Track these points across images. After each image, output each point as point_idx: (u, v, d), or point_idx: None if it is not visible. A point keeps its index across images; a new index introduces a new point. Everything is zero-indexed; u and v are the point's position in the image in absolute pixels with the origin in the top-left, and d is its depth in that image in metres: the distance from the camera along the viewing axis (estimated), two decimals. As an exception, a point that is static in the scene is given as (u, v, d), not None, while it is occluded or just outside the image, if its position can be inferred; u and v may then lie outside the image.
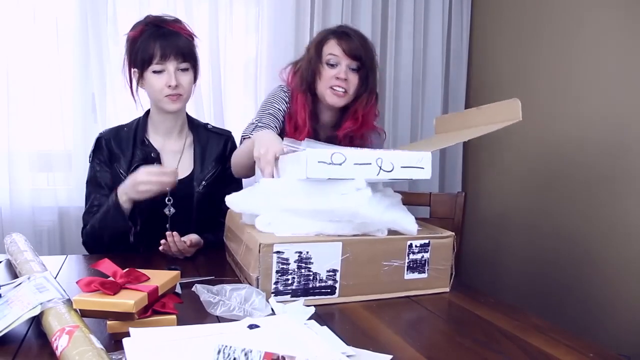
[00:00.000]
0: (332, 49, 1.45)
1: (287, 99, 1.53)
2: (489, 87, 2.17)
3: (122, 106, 1.79)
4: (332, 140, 1.49)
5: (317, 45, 1.48)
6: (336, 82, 1.45)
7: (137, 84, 1.42)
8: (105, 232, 1.36)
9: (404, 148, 1.47)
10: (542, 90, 1.86)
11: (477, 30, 2.24)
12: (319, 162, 1.00)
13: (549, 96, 1.83)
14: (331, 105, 1.49)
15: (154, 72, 1.36)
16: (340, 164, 1.01)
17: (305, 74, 1.49)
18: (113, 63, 1.78)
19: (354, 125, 1.51)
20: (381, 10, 2.10)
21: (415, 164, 1.07)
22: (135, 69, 1.40)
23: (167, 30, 1.38)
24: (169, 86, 1.36)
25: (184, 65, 1.39)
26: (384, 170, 1.04)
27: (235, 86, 2.00)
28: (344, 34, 1.46)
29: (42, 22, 1.75)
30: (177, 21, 1.43)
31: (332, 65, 1.45)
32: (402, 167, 1.06)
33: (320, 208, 1.01)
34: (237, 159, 1.46)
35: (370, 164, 1.03)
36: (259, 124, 1.46)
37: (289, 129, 1.51)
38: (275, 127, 1.47)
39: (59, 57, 1.77)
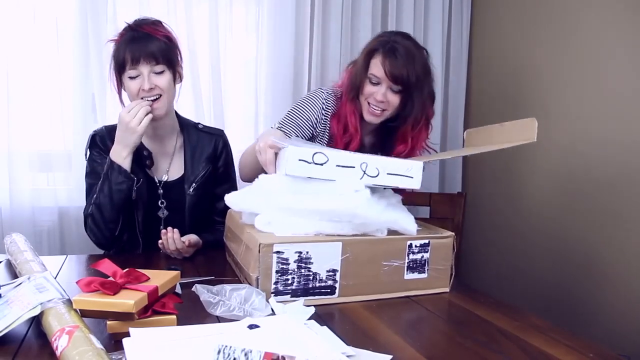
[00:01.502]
0: (376, 68, 1.39)
1: (325, 106, 1.48)
2: (489, 87, 2.17)
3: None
4: None
5: (366, 56, 1.42)
6: (373, 101, 1.41)
7: (121, 88, 1.41)
8: (108, 199, 1.33)
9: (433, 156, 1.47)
10: (543, 90, 1.86)
11: (477, 30, 2.24)
12: (299, 160, 1.01)
13: (550, 96, 1.83)
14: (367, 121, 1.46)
15: (130, 77, 1.34)
16: (321, 164, 1.02)
17: (353, 82, 1.45)
18: (113, 63, 1.78)
19: (404, 149, 1.48)
20: (381, 10, 2.10)
21: (404, 172, 1.06)
22: (117, 74, 1.39)
23: (140, 34, 1.35)
24: (144, 89, 1.33)
25: (158, 67, 1.35)
26: (368, 175, 1.04)
27: (235, 86, 1.99)
28: (391, 52, 1.37)
29: (42, 22, 1.74)
30: (154, 23, 1.40)
31: (373, 84, 1.40)
32: (388, 173, 1.05)
33: (320, 208, 1.01)
34: (244, 159, 1.45)
35: (353, 167, 1.03)
36: (281, 129, 1.45)
37: (337, 130, 1.47)
38: (297, 136, 1.44)
39: (59, 57, 1.77)
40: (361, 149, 1.47)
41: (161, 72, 1.36)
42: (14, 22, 1.70)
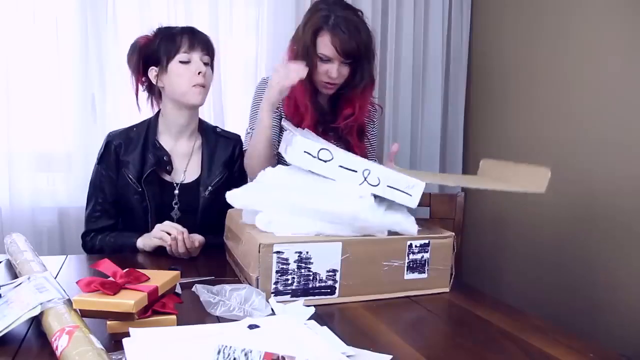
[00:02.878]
0: (325, 47, 1.40)
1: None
2: (489, 87, 2.17)
3: (122, 106, 1.79)
4: (334, 131, 1.49)
5: (312, 34, 1.42)
6: (327, 78, 1.43)
7: (155, 81, 1.41)
8: (112, 251, 1.38)
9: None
10: (543, 90, 1.85)
11: (477, 30, 2.24)
12: (304, 152, 1.01)
13: (550, 96, 1.82)
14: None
15: (181, 62, 1.37)
16: (325, 161, 1.02)
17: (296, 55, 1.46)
18: (113, 63, 1.78)
19: (352, 112, 1.48)
20: (381, 10, 2.10)
21: (404, 188, 1.06)
22: (154, 67, 1.40)
23: (186, 27, 1.42)
24: (199, 73, 1.36)
25: (206, 58, 1.40)
26: (369, 183, 1.04)
27: (235, 86, 1.99)
28: (336, 27, 1.38)
29: (42, 22, 1.74)
30: None
31: (324, 62, 1.42)
32: (388, 186, 1.05)
33: (321, 208, 1.01)
34: (253, 149, 1.42)
35: (356, 171, 1.03)
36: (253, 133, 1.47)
37: (287, 110, 1.48)
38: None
39: (59, 57, 1.77)
40: (317, 123, 1.48)
41: (207, 64, 1.41)
42: (14, 22, 1.70)
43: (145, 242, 1.34)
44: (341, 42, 1.38)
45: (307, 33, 1.43)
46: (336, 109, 1.53)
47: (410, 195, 1.06)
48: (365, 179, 1.04)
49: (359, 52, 1.41)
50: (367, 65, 1.46)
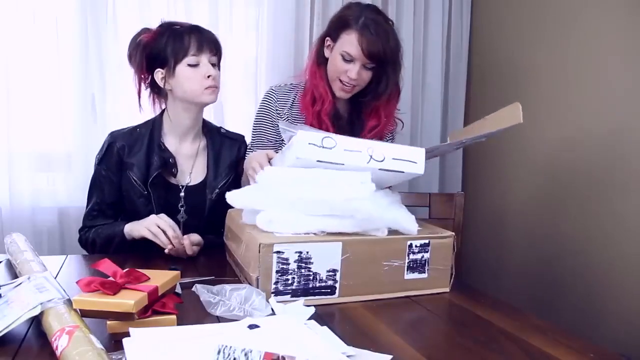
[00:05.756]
0: (350, 46, 1.37)
1: (277, 99, 1.50)
2: (489, 87, 2.17)
3: (122, 106, 1.79)
4: None
5: (338, 29, 1.41)
6: (346, 79, 1.40)
7: (163, 84, 1.37)
8: (103, 246, 1.36)
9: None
10: (543, 90, 1.86)
11: (477, 30, 2.24)
12: (309, 143, 1.01)
13: (549, 96, 1.83)
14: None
15: (189, 65, 1.33)
16: (330, 148, 1.02)
17: (320, 48, 1.46)
18: (113, 63, 1.78)
19: (377, 123, 1.48)
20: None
21: (408, 157, 1.07)
22: (160, 69, 1.36)
23: (196, 26, 1.38)
24: (209, 76, 1.33)
25: (214, 59, 1.37)
26: (375, 160, 1.05)
27: (235, 86, 1.99)
28: (365, 28, 1.35)
29: (42, 22, 1.74)
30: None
31: (347, 61, 1.39)
32: (393, 158, 1.06)
33: (322, 198, 1.01)
34: None
35: (360, 151, 1.04)
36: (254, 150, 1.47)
37: (303, 103, 1.46)
38: (273, 146, 1.47)
39: (59, 57, 1.77)
40: (335, 117, 1.47)
41: (214, 65, 1.37)
42: (14, 22, 1.70)
43: (133, 227, 1.30)
44: (368, 43, 1.35)
45: (333, 27, 1.43)
46: (358, 119, 1.51)
47: (415, 163, 1.07)
48: (371, 157, 1.04)
49: (384, 57, 1.37)
50: (393, 73, 1.44)
